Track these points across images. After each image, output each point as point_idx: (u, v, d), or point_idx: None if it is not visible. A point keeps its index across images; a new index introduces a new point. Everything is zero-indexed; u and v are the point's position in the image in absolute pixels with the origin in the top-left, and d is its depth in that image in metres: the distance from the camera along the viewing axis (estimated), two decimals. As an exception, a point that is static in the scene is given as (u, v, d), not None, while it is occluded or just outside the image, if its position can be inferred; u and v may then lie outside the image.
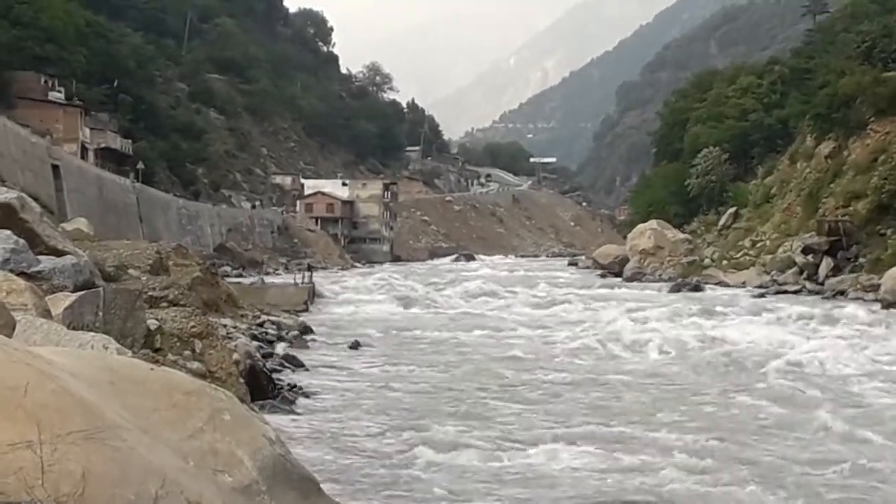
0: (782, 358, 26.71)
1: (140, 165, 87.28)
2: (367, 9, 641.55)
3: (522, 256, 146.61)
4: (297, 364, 26.34)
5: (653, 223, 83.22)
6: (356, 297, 54.18)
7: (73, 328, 12.75)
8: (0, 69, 75.94)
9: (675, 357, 28.69)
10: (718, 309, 43.08)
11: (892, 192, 56.66)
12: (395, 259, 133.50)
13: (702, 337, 32.09)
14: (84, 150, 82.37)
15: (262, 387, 20.81)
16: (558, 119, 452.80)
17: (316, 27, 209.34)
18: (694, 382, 24.00)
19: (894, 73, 65.07)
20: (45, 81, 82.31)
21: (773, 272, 62.32)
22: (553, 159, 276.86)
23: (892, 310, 42.00)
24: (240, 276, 74.43)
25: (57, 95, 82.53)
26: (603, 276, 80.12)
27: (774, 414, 19.82)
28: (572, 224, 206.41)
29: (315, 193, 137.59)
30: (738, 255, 71.68)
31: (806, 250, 59.76)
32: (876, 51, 67.86)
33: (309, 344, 31.73)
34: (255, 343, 27.15)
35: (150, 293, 20.95)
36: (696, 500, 13.51)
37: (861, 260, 55.89)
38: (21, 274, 15.65)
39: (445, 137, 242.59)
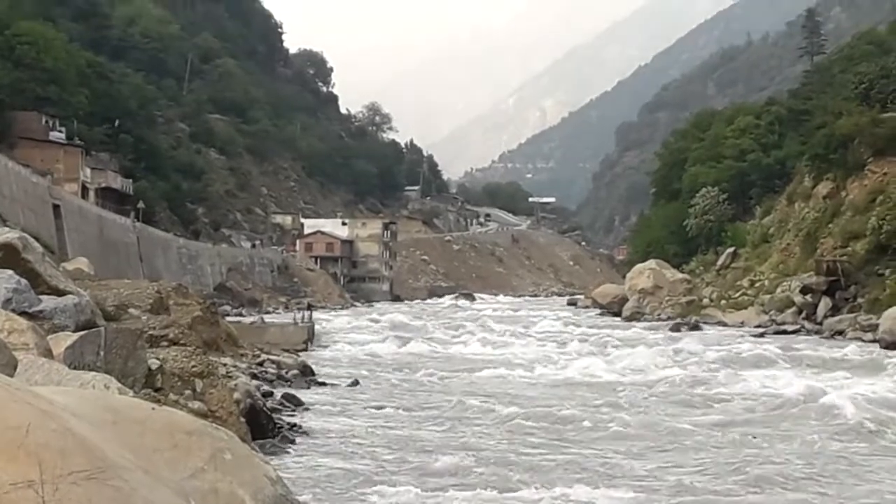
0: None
1: (140, 205, 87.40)
2: (367, 50, 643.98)
3: (521, 296, 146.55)
4: (297, 403, 26.29)
5: (651, 263, 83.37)
6: (356, 336, 54.25)
7: (75, 368, 12.78)
8: (2, 109, 76.27)
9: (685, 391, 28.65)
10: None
11: (891, 233, 56.70)
12: (395, 298, 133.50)
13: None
14: (85, 189, 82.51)
15: (262, 426, 20.79)
16: (557, 159, 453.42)
17: (316, 68, 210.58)
18: (717, 424, 23.73)
19: (892, 114, 65.38)
20: (47, 122, 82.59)
21: (772, 312, 62.39)
22: (552, 199, 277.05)
23: (890, 350, 41.96)
24: (240, 315, 74.31)
25: (58, 135, 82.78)
26: (602, 315, 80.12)
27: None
28: (571, 264, 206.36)
29: (315, 233, 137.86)
30: (736, 295, 71.68)
31: (804, 290, 59.82)
32: (873, 91, 68.22)
33: (308, 383, 31.66)
34: (255, 382, 27.07)
35: (150, 332, 21.02)
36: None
37: (859, 300, 55.92)
38: (23, 314, 15.71)
39: (445, 177, 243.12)
